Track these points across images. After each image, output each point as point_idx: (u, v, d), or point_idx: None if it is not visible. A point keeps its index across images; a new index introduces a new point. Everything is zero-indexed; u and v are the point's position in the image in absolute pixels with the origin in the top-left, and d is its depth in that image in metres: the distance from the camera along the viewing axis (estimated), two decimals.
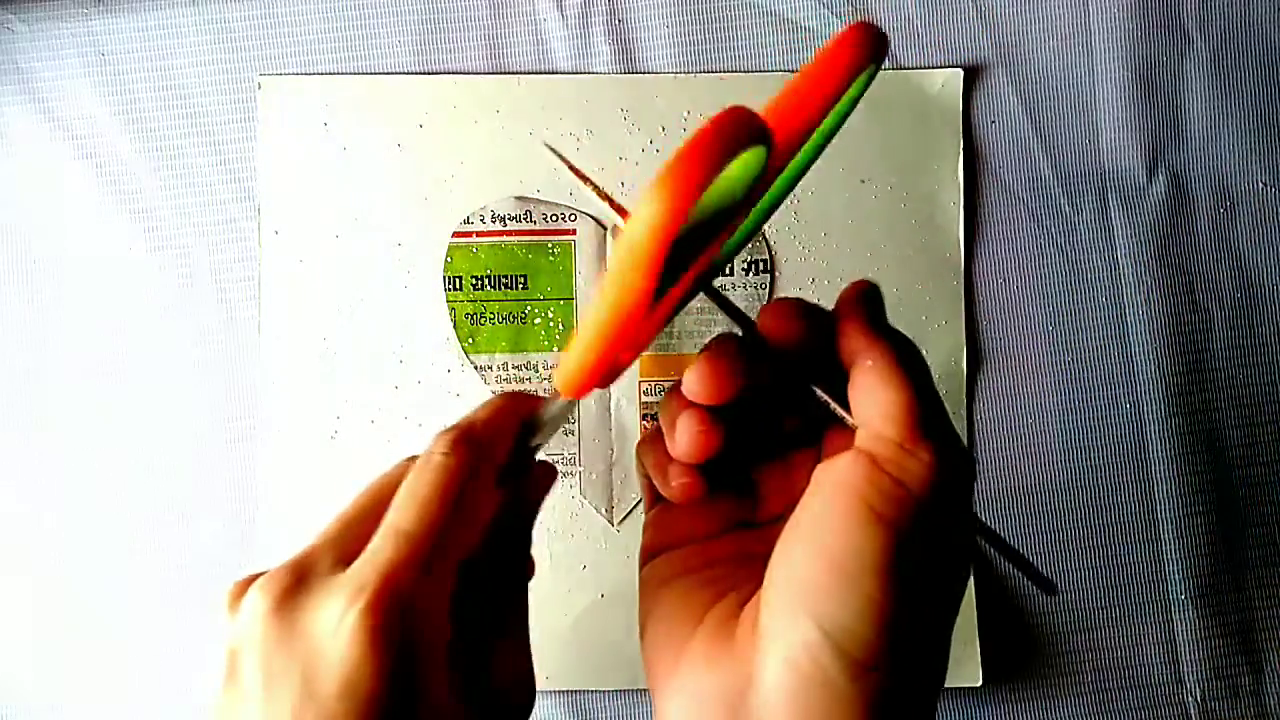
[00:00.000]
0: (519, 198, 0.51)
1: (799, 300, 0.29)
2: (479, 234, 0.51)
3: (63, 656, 0.50)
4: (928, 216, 0.51)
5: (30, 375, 0.51)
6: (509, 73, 0.52)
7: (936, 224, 0.51)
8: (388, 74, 0.51)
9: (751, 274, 0.51)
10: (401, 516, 0.26)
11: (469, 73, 0.52)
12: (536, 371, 0.51)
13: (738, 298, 0.51)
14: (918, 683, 0.25)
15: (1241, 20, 0.52)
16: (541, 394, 0.50)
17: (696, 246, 0.25)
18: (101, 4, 0.51)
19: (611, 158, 0.51)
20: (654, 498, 0.33)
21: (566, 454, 0.51)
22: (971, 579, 0.50)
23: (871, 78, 0.26)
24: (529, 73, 0.52)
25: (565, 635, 0.50)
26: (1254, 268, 0.52)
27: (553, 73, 0.52)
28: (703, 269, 0.28)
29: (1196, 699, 0.50)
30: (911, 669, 0.24)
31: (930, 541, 0.24)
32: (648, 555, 0.31)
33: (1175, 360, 0.51)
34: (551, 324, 0.51)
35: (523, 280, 0.51)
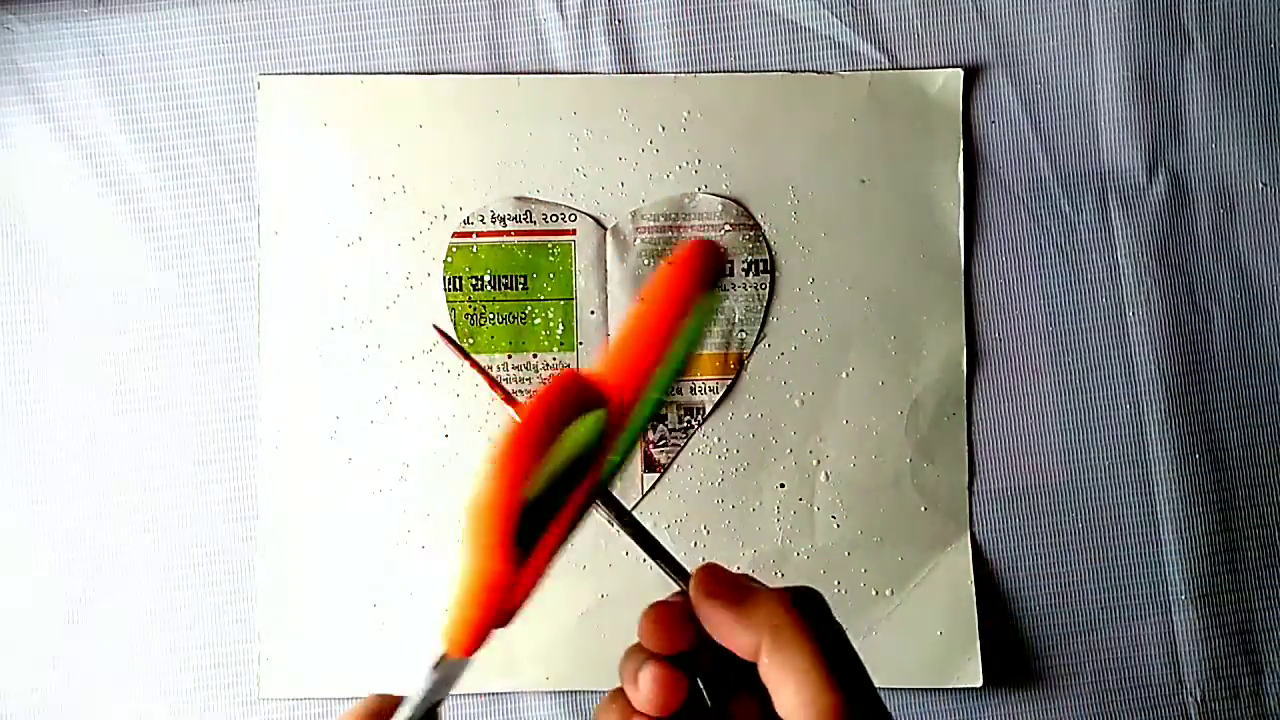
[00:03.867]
0: (519, 198, 0.51)
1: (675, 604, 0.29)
2: (479, 234, 0.51)
3: (63, 656, 0.50)
4: (928, 216, 0.51)
5: (30, 375, 0.51)
6: (509, 73, 0.52)
7: (936, 224, 0.51)
8: (388, 74, 0.51)
9: (751, 274, 0.51)
10: None
11: (469, 73, 0.52)
12: (536, 371, 0.51)
13: (738, 298, 0.51)
14: None
15: (1241, 20, 0.52)
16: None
17: (557, 497, 0.26)
18: (101, 4, 0.51)
19: (611, 158, 0.51)
20: None
21: None
22: (972, 580, 0.50)
23: (715, 303, 0.27)
24: (529, 73, 0.52)
25: (565, 636, 0.50)
26: (1254, 268, 0.52)
27: (553, 73, 0.52)
28: (582, 499, 0.28)
29: (1196, 699, 0.50)
30: None
31: None
32: None
33: (1175, 360, 0.51)
34: (551, 324, 0.51)
35: (523, 280, 0.51)
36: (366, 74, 0.51)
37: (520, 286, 0.51)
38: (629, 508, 0.50)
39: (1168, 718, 0.50)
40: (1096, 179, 0.52)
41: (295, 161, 0.51)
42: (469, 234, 0.51)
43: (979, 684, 0.50)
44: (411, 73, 0.51)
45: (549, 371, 0.51)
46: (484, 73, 0.52)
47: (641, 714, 0.29)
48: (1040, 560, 0.51)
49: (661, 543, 0.31)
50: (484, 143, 0.51)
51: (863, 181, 0.51)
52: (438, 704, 0.30)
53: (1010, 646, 0.50)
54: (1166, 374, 0.51)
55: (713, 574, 0.28)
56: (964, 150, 0.51)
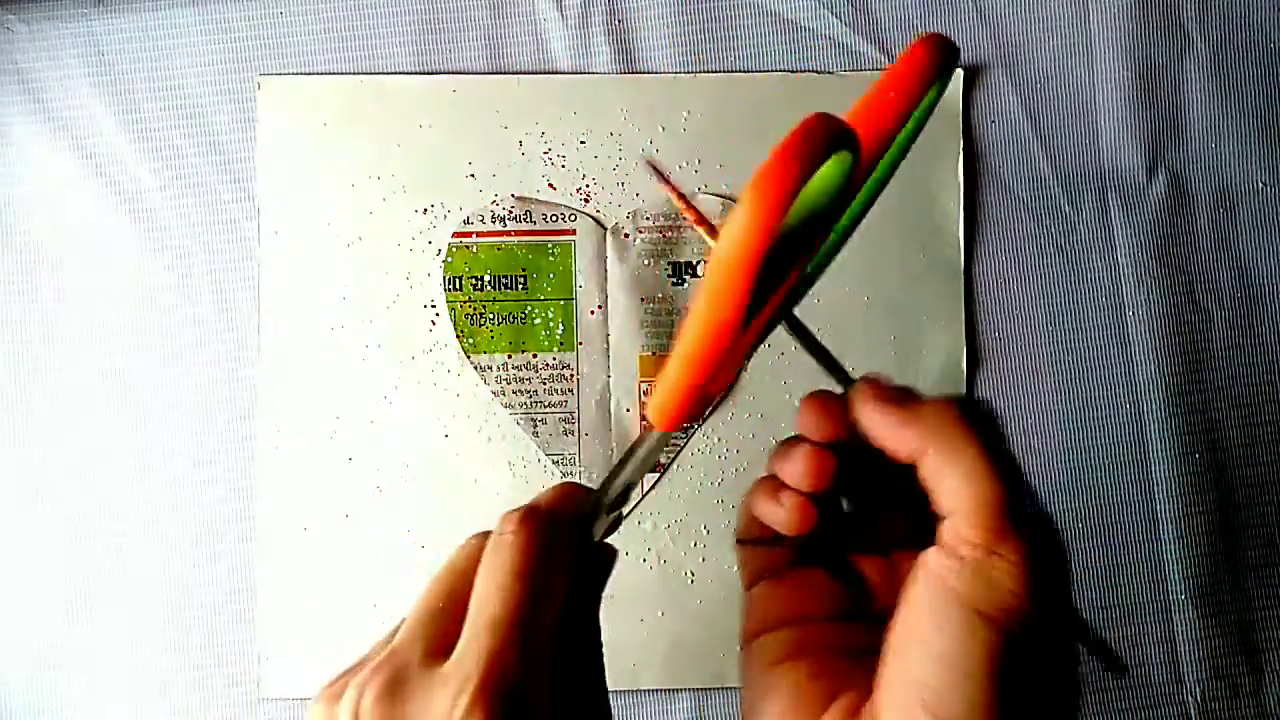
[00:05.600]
0: (519, 198, 0.51)
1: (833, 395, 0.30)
2: (479, 234, 0.51)
3: (63, 656, 0.50)
4: (928, 216, 0.51)
5: (30, 375, 0.51)
6: (509, 73, 0.52)
7: (936, 224, 0.51)
8: (388, 74, 0.51)
9: None
10: (489, 602, 0.27)
11: (469, 73, 0.52)
12: (536, 372, 0.51)
13: None
14: None
15: (1241, 20, 0.52)
16: (543, 393, 0.50)
17: (783, 265, 0.25)
18: (101, 4, 0.51)
19: (612, 158, 0.51)
20: (753, 577, 0.33)
21: (567, 454, 0.51)
22: None
23: (942, 90, 0.27)
24: (529, 73, 0.52)
25: None
26: (1254, 268, 0.52)
27: (553, 73, 0.52)
28: (786, 294, 0.28)
29: (1196, 699, 0.50)
30: None
31: (1032, 637, 0.25)
32: (752, 635, 0.32)
33: (1175, 360, 0.51)
34: (551, 324, 0.51)
35: (523, 280, 0.51)
36: (366, 74, 0.51)
37: (520, 286, 0.51)
38: (629, 509, 0.50)
39: (1168, 718, 0.50)
40: (1096, 179, 0.52)
41: (295, 161, 0.51)
42: (469, 234, 0.51)
43: None
44: (411, 73, 0.51)
45: (549, 371, 0.51)
46: (484, 73, 0.52)
47: (791, 489, 0.30)
48: None
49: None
50: (484, 143, 0.51)
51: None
52: (632, 487, 0.30)
53: None
54: (1166, 374, 0.51)
55: (878, 379, 0.29)
56: (964, 150, 0.51)
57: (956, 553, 0.25)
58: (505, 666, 0.25)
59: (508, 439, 0.51)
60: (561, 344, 0.51)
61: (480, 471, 0.51)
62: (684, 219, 0.51)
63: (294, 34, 0.51)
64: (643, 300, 0.51)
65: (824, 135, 0.22)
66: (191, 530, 0.50)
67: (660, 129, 0.51)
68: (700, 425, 0.51)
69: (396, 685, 0.26)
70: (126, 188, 0.51)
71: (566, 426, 0.51)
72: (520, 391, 0.51)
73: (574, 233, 0.51)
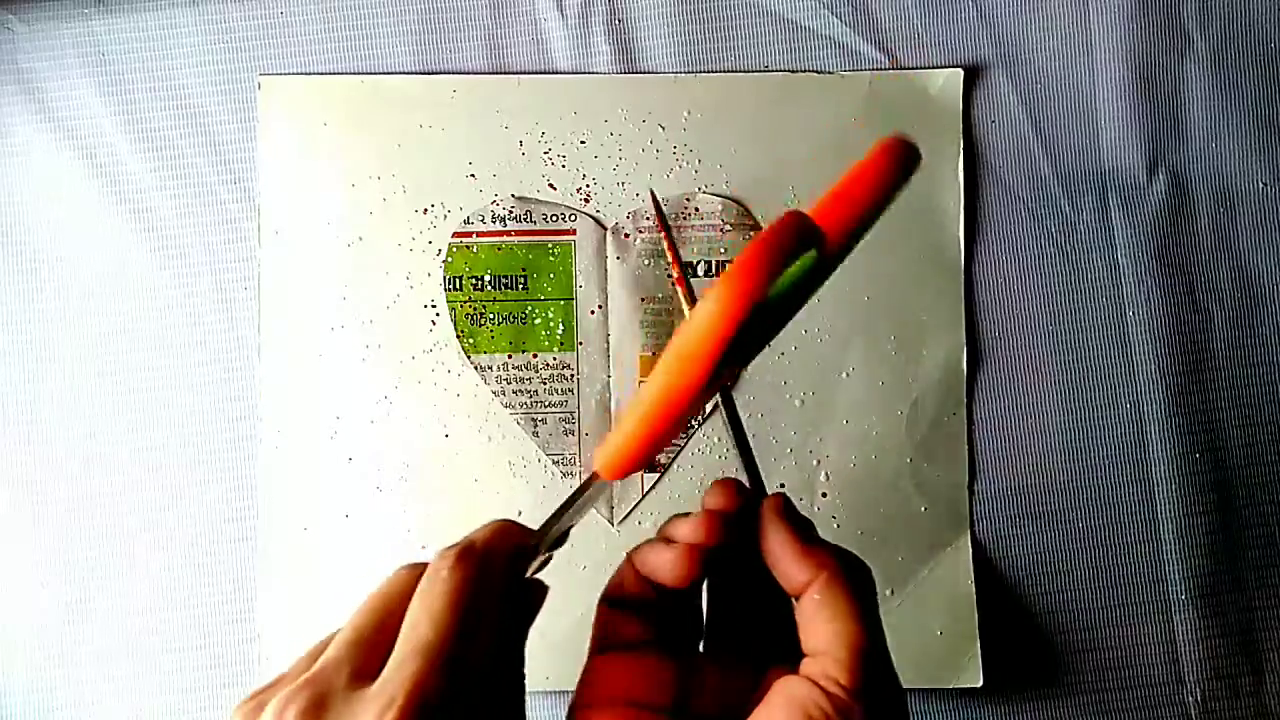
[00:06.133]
0: (519, 198, 0.51)
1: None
2: (479, 234, 0.51)
3: (63, 656, 0.50)
4: (928, 216, 0.51)
5: (30, 376, 0.51)
6: (509, 73, 0.52)
7: (936, 224, 0.51)
8: (388, 74, 0.51)
9: None
10: (419, 629, 0.27)
11: (469, 73, 0.52)
12: (536, 372, 0.51)
13: None
14: None
15: (1241, 20, 0.52)
16: (543, 393, 0.50)
17: (743, 342, 0.27)
18: (101, 4, 0.51)
19: (612, 158, 0.51)
20: (602, 644, 0.33)
21: (567, 454, 0.51)
22: (972, 580, 0.50)
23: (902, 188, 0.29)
24: (529, 73, 0.52)
25: (565, 636, 0.49)
26: (1254, 268, 0.52)
27: (553, 73, 0.52)
28: (757, 347, 0.30)
29: (1196, 699, 0.50)
30: None
31: None
32: (582, 703, 0.32)
33: (1175, 360, 0.51)
34: (551, 324, 0.51)
35: (523, 280, 0.51)
36: (366, 74, 0.51)
37: (520, 286, 0.51)
38: (629, 508, 0.50)
39: (1168, 718, 0.50)
40: (1096, 179, 0.52)
41: (295, 161, 0.51)
42: (469, 234, 0.51)
43: (979, 684, 0.50)
44: (411, 73, 0.51)
45: (549, 371, 0.51)
46: (484, 73, 0.52)
47: (646, 584, 0.31)
48: (1040, 560, 0.51)
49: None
50: (484, 143, 0.51)
51: None
52: (569, 530, 0.32)
53: (1010, 647, 0.50)
54: (1166, 374, 0.51)
55: (788, 503, 0.31)
56: (964, 150, 0.51)
57: (823, 688, 0.27)
58: (430, 691, 0.26)
59: (508, 439, 0.51)
60: (561, 344, 0.51)
61: (480, 471, 0.51)
62: (690, 220, 0.51)
63: (294, 34, 0.51)
64: (643, 300, 0.51)
65: (796, 236, 0.25)
66: (191, 530, 0.50)
67: (660, 129, 0.51)
68: (701, 425, 0.51)
69: (320, 705, 0.26)
70: (126, 188, 0.51)
71: (566, 426, 0.51)
72: (520, 391, 0.51)
73: (574, 233, 0.51)
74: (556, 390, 0.51)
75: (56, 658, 0.50)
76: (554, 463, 0.50)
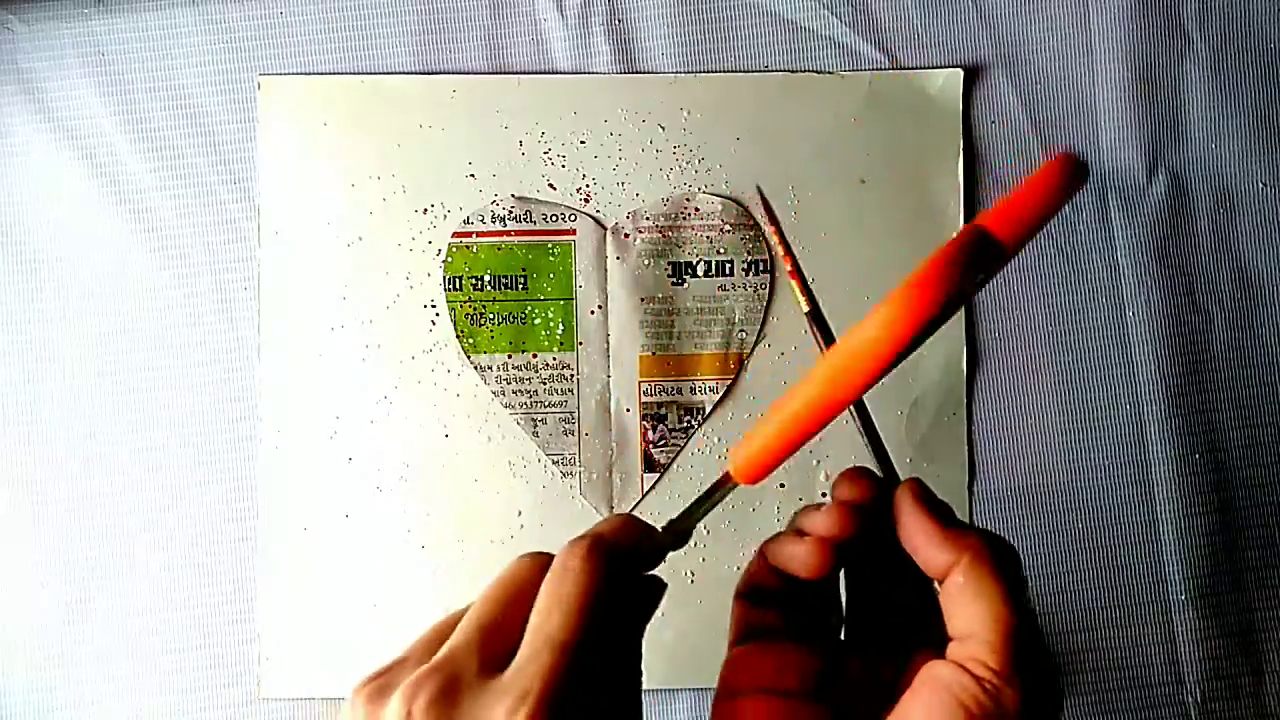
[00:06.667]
0: (519, 198, 0.51)
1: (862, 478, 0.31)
2: (479, 234, 0.51)
3: (63, 656, 0.50)
4: (928, 216, 0.51)
5: (30, 376, 0.51)
6: (509, 73, 0.52)
7: (936, 224, 0.51)
8: (388, 74, 0.51)
9: (751, 274, 0.51)
10: (551, 623, 0.27)
11: (469, 73, 0.52)
12: (536, 372, 0.51)
13: (738, 298, 0.51)
14: None
15: (1241, 20, 0.52)
16: (543, 393, 0.50)
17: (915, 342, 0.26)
18: (101, 4, 0.51)
19: (611, 158, 0.51)
20: (741, 635, 0.33)
21: (567, 454, 0.51)
22: None
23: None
24: (529, 73, 0.52)
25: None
26: (1254, 268, 0.52)
27: (553, 73, 0.52)
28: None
29: (1196, 699, 0.50)
30: None
31: None
32: (725, 693, 0.32)
33: (1175, 360, 0.51)
34: (551, 324, 0.51)
35: (522, 280, 0.51)
36: (366, 74, 0.51)
37: (520, 286, 0.51)
38: (628, 508, 0.50)
39: (1168, 718, 0.50)
40: (1096, 179, 0.52)
41: (295, 161, 0.51)
42: (469, 234, 0.51)
43: None
44: (411, 73, 0.51)
45: (549, 371, 0.51)
46: (484, 73, 0.52)
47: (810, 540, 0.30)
48: (1040, 560, 0.51)
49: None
50: (484, 143, 0.51)
51: (863, 181, 0.51)
52: (689, 531, 0.32)
53: None
54: (1166, 374, 0.51)
55: (923, 487, 0.30)
56: (964, 150, 0.51)
57: (972, 672, 0.26)
58: (562, 684, 0.26)
59: (508, 439, 0.51)
60: (561, 344, 0.51)
61: (480, 471, 0.51)
62: (690, 220, 0.51)
63: (294, 34, 0.51)
64: (643, 300, 0.51)
65: (977, 249, 0.23)
66: (191, 530, 0.50)
67: (660, 129, 0.51)
68: (701, 425, 0.51)
69: (451, 692, 0.26)
70: (126, 188, 0.51)
71: (566, 426, 0.51)
72: (520, 391, 0.51)
73: (574, 233, 0.51)
74: (556, 390, 0.51)
75: (56, 658, 0.50)
76: (554, 463, 0.50)
